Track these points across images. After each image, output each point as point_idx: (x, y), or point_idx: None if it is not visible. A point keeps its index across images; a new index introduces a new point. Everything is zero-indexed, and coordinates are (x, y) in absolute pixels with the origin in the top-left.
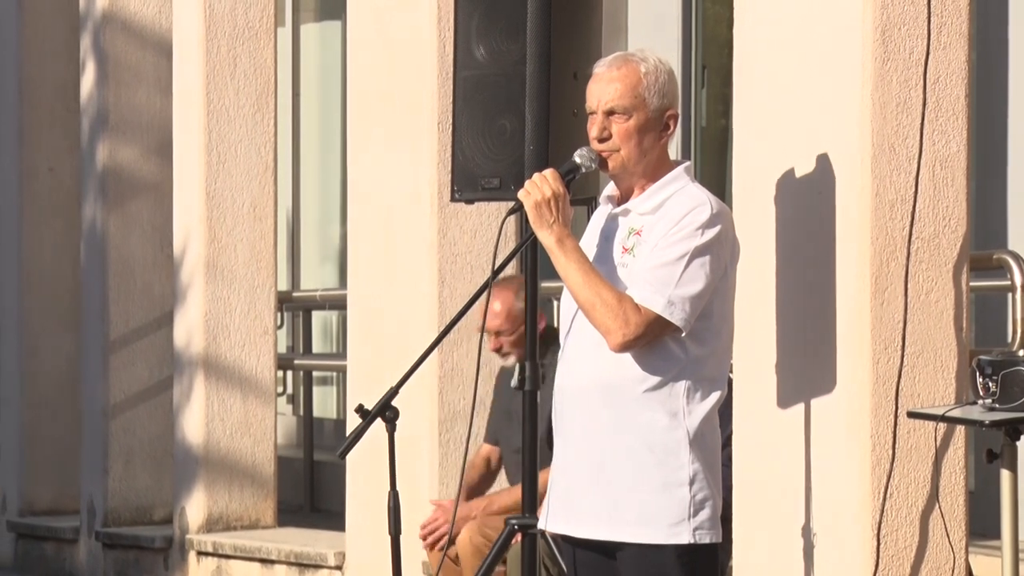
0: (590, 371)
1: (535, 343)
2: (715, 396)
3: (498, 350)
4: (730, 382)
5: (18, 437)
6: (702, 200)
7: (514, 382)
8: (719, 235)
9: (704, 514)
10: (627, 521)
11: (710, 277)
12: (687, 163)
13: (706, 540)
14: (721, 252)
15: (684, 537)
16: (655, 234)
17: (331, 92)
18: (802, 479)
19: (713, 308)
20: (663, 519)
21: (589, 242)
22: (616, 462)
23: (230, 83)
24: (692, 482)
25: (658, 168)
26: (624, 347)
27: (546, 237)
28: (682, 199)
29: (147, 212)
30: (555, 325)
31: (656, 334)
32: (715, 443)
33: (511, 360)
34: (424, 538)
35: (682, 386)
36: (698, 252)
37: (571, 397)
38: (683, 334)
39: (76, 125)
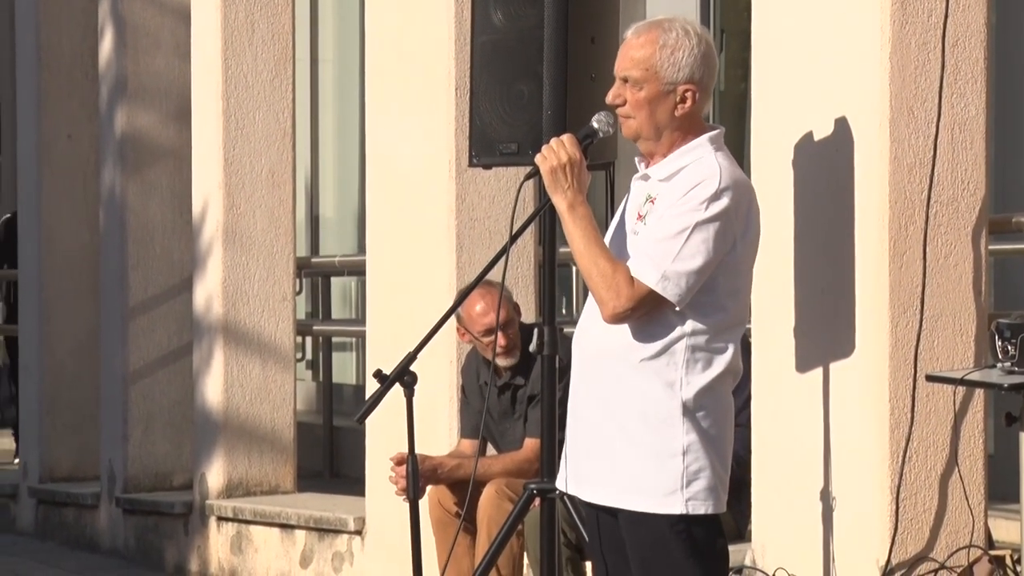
0: (595, 338)
1: (553, 305)
2: (718, 368)
3: (506, 344)
4: (748, 346)
5: (38, 404)
6: (712, 172)
7: (532, 347)
8: (726, 209)
9: (698, 485)
10: (624, 488)
11: (712, 252)
12: (714, 132)
13: (700, 511)
14: (728, 226)
15: (676, 507)
16: (663, 204)
17: (349, 58)
18: (821, 443)
19: (718, 282)
20: (656, 488)
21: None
22: (613, 429)
23: (248, 49)
24: (686, 453)
25: (681, 136)
26: (615, 319)
27: (559, 202)
28: (695, 170)
29: (166, 178)
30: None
31: (651, 307)
32: (718, 414)
33: (516, 355)
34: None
35: (681, 357)
36: (700, 226)
37: (579, 363)
38: (677, 309)
39: (95, 92)
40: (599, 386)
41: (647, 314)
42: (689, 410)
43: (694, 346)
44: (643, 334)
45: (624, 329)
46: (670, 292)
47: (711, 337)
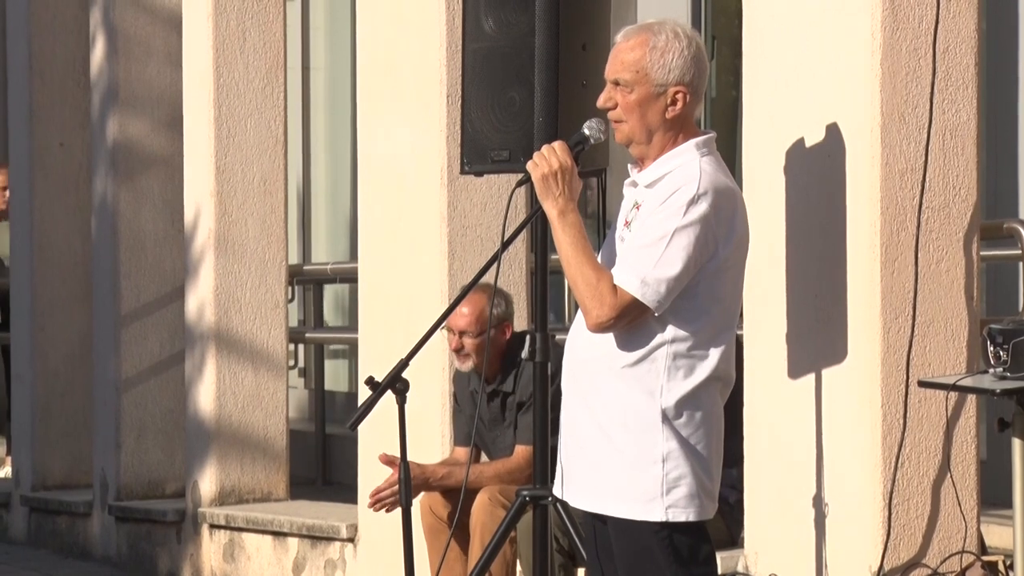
0: (581, 345)
1: (545, 312)
2: (702, 375)
3: (458, 350)
4: (740, 347)
5: (30, 411)
6: (692, 178)
7: (524, 353)
8: (705, 214)
9: (679, 492)
10: (608, 495)
11: (692, 258)
12: (701, 137)
13: (681, 518)
14: (708, 231)
15: (657, 514)
16: (646, 210)
17: (341, 65)
18: (813, 449)
19: (699, 288)
20: (637, 496)
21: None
22: (597, 436)
23: (240, 57)
24: (665, 460)
25: (672, 139)
26: (598, 327)
27: (550, 209)
28: (676, 176)
29: (158, 186)
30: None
31: (635, 315)
32: (701, 422)
33: (468, 365)
34: (376, 500)
35: (662, 364)
36: (679, 232)
37: (568, 369)
38: (656, 314)
39: (86, 100)
40: (585, 393)
41: (630, 324)
42: (668, 418)
43: (676, 353)
44: (625, 341)
45: (608, 336)
46: (649, 298)
47: (694, 344)
